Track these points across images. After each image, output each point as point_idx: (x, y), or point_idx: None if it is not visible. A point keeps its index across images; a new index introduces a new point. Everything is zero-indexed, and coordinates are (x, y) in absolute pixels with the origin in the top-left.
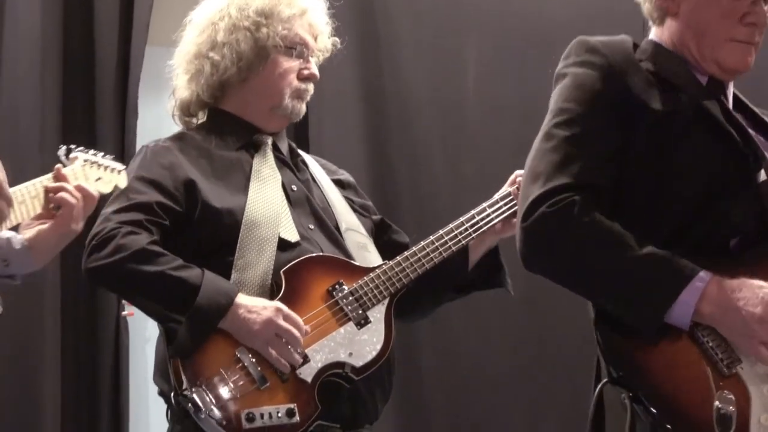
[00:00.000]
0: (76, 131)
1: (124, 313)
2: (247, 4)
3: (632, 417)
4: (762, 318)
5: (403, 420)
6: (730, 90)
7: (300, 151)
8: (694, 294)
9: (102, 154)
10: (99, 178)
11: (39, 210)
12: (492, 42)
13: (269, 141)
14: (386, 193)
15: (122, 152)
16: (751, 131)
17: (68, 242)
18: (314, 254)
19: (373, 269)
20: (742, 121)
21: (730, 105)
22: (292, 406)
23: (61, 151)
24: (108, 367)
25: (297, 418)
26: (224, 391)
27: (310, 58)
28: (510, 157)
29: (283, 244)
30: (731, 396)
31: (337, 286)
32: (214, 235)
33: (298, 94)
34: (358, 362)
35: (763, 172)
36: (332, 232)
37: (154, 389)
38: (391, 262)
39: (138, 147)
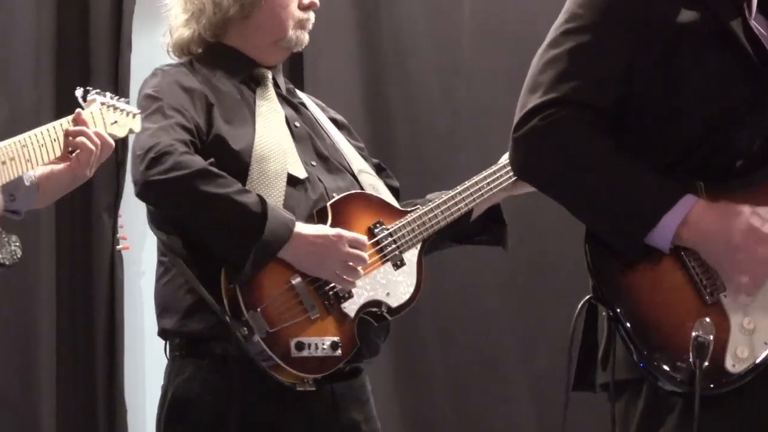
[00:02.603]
0: (70, 65)
1: (118, 247)
2: None
3: (608, 336)
4: (741, 246)
5: (398, 354)
6: None
7: (297, 90)
8: (676, 218)
9: (117, 97)
10: (115, 122)
11: (59, 153)
12: None
13: (270, 75)
14: (382, 129)
15: (116, 85)
16: None
17: (77, 186)
18: (357, 191)
19: (407, 212)
20: (763, 33)
21: (754, 9)
22: (336, 339)
23: (79, 92)
24: (103, 301)
25: (339, 351)
26: (277, 318)
27: None
28: (506, 87)
29: (291, 180)
30: (710, 323)
31: (378, 225)
32: (220, 167)
33: (301, 24)
34: (394, 303)
35: None
36: (338, 169)
37: (149, 323)
38: (425, 208)
39: (132, 80)
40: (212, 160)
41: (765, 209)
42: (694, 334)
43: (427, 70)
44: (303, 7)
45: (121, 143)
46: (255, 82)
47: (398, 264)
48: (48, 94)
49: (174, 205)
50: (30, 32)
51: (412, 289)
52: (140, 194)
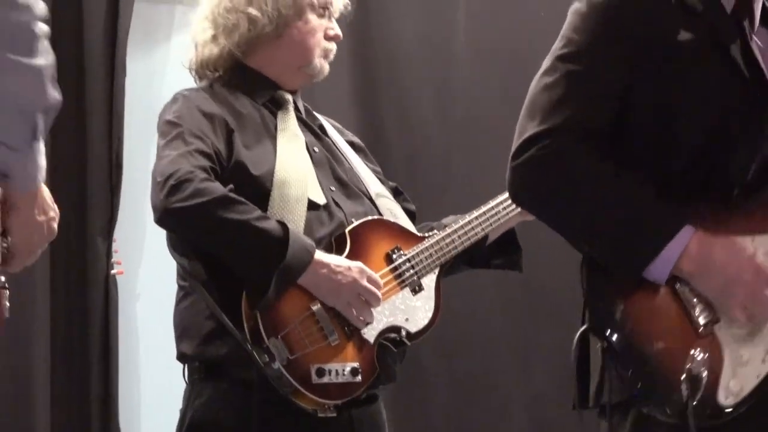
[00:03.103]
0: (65, 89)
1: (113, 271)
2: None
3: (602, 368)
4: (744, 282)
5: (399, 375)
6: (759, 5)
7: (315, 113)
8: (676, 249)
9: None
10: None
11: None
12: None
13: (291, 99)
14: (376, 145)
15: (111, 109)
16: None
17: None
18: (375, 217)
19: (425, 238)
20: (762, 53)
21: (756, 24)
22: (356, 365)
23: None
24: (98, 325)
25: (360, 377)
26: (297, 344)
27: (333, 19)
28: (500, 104)
29: (311, 205)
30: (705, 356)
31: (396, 251)
32: (240, 192)
33: (326, 54)
34: (413, 328)
35: None
36: (356, 194)
37: (144, 347)
38: (442, 233)
39: (127, 104)
40: (231, 186)
41: (762, 237)
42: (687, 366)
43: (421, 86)
44: (328, 38)
45: (115, 165)
46: (276, 106)
47: (417, 289)
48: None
49: (195, 232)
50: None
51: (430, 314)
52: (160, 221)
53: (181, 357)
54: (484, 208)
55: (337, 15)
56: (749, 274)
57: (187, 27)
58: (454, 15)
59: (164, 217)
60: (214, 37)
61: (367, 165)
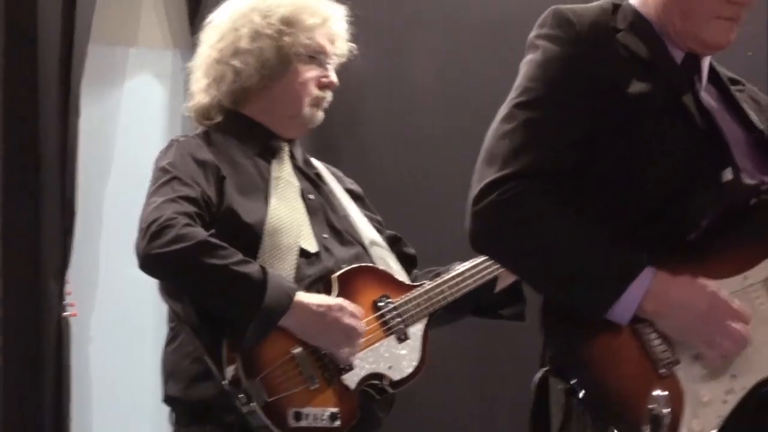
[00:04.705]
0: (18, 129)
1: (66, 313)
2: (270, 11)
3: (566, 410)
4: (706, 317)
5: None
6: (706, 63)
7: (313, 160)
8: (639, 291)
9: None
10: None
11: None
12: (440, 36)
13: (286, 147)
14: None
15: (64, 150)
16: (721, 117)
17: None
18: (365, 264)
19: (415, 287)
20: (713, 105)
21: (704, 81)
22: (335, 410)
23: None
24: (51, 368)
25: (339, 422)
26: (276, 387)
27: (328, 65)
28: (459, 150)
29: (303, 253)
30: (665, 396)
31: (383, 299)
32: (232, 239)
33: (317, 102)
34: (396, 376)
35: (729, 170)
36: (349, 242)
37: (97, 390)
38: (433, 283)
39: (80, 146)
40: (213, 231)
41: (721, 282)
42: (650, 407)
43: (380, 136)
44: (321, 86)
45: (68, 207)
46: (271, 154)
47: (402, 338)
48: None
49: (175, 277)
50: None
51: (415, 363)
52: (143, 267)
53: (167, 399)
54: (477, 260)
55: (336, 61)
56: (713, 309)
57: (141, 69)
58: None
59: (145, 262)
60: (207, 87)
61: (364, 213)
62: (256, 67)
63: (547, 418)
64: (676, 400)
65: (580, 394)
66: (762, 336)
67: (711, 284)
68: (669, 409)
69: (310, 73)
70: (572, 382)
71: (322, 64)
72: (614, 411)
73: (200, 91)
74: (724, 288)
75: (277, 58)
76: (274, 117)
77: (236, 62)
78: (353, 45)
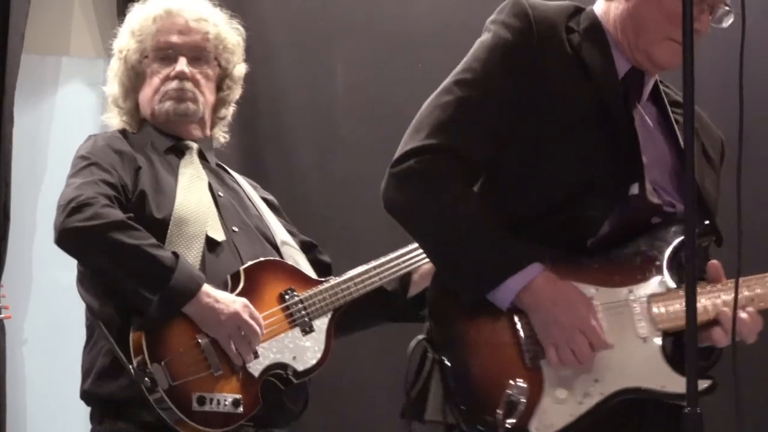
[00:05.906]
0: None
1: (0, 316)
2: (129, 27)
3: (428, 376)
4: (562, 324)
5: None
6: (651, 81)
7: (229, 170)
8: (520, 282)
9: None
10: None
11: None
12: (360, 45)
13: (194, 146)
14: None
15: None
16: (651, 136)
17: None
18: (273, 258)
19: (321, 282)
20: (648, 122)
21: (644, 98)
22: (238, 396)
23: None
24: None
25: (241, 408)
26: (180, 372)
27: (181, 57)
28: (378, 158)
29: (210, 243)
30: (525, 386)
31: (289, 292)
32: (142, 225)
33: (168, 96)
34: (300, 366)
35: (636, 185)
36: (259, 239)
37: (31, 391)
38: (339, 279)
39: (14, 154)
40: (131, 214)
41: (604, 289)
42: (507, 392)
43: (303, 140)
44: (170, 79)
45: (3, 213)
46: (180, 153)
47: (307, 330)
48: None
49: (89, 252)
50: None
51: (319, 355)
52: (58, 241)
53: (82, 395)
54: (383, 259)
55: (196, 45)
56: (573, 318)
57: (73, 77)
58: (333, 70)
59: (62, 236)
60: (117, 92)
61: (279, 219)
62: (126, 87)
63: (417, 382)
64: (535, 392)
65: (445, 365)
66: (632, 348)
67: (589, 292)
68: (525, 399)
69: (162, 71)
70: (441, 354)
71: (174, 59)
72: (473, 388)
73: (112, 95)
74: (605, 297)
75: (132, 71)
76: (155, 122)
77: (118, 84)
78: (217, 19)
